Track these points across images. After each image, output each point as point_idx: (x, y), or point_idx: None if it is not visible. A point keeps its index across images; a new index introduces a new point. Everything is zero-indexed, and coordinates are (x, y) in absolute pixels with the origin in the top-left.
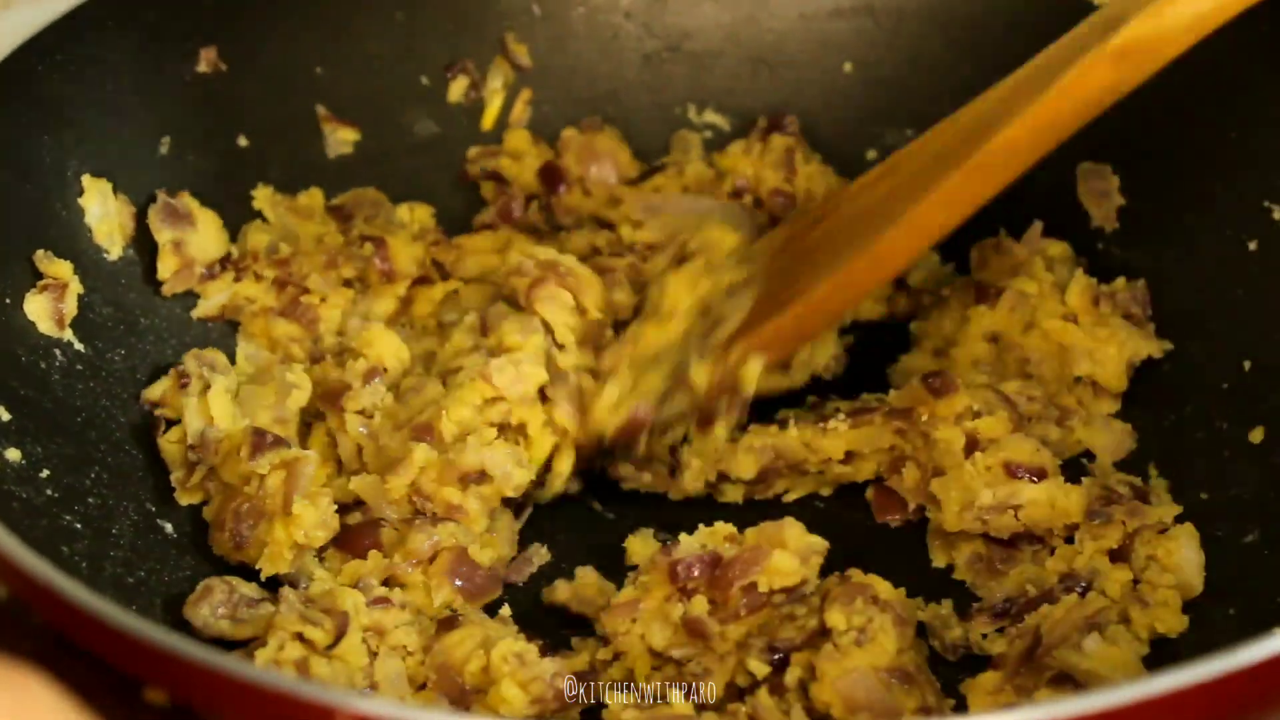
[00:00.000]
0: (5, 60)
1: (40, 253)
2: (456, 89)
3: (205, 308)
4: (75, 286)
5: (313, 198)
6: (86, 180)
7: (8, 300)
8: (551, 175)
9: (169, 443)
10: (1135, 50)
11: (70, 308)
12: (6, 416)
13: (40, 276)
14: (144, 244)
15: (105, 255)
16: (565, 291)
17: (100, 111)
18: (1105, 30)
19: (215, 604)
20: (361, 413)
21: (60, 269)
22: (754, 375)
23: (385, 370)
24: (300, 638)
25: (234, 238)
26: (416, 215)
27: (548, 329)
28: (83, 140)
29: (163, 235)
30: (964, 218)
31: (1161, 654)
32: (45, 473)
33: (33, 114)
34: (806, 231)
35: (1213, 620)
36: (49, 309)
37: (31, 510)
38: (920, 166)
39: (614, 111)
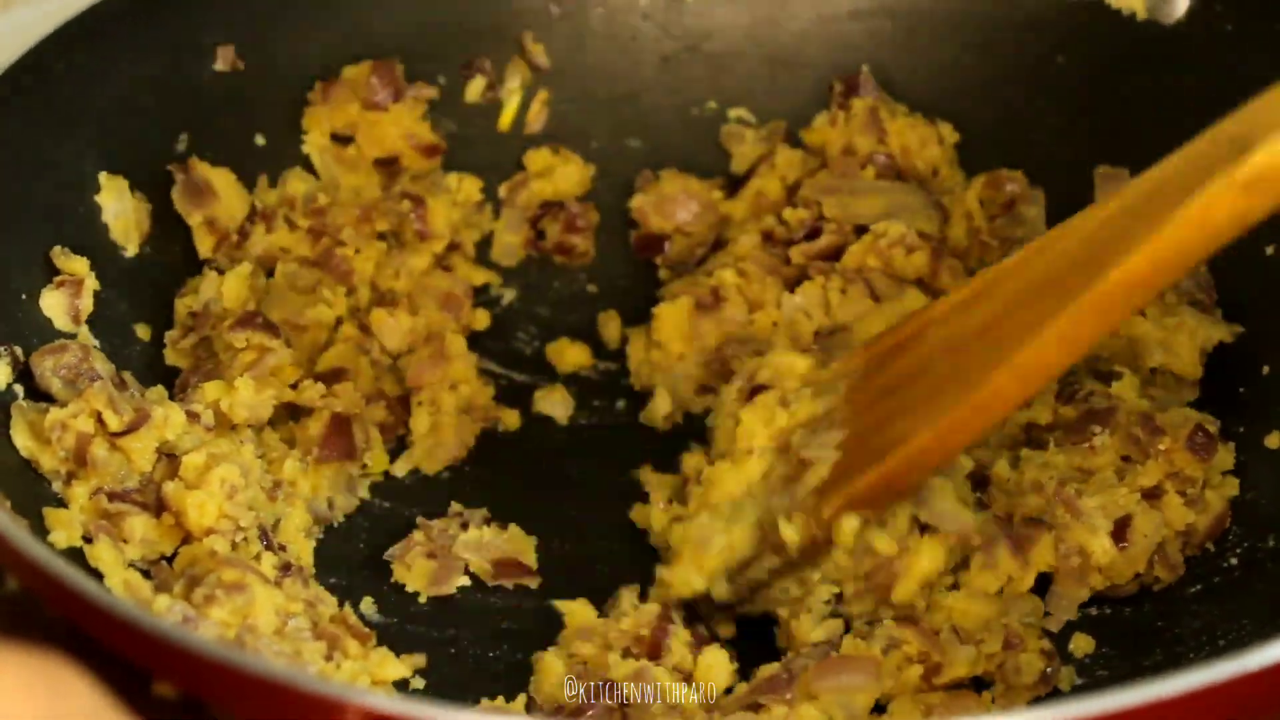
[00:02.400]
0: (23, 57)
1: (57, 249)
2: (474, 89)
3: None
4: (91, 283)
5: (361, 150)
6: (103, 178)
7: (24, 296)
8: (651, 243)
9: (182, 302)
10: (1267, 178)
11: (86, 304)
12: None
13: (57, 273)
14: (162, 237)
15: (122, 252)
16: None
17: (118, 109)
18: (1232, 152)
19: (62, 362)
20: None
21: (77, 265)
22: (851, 533)
23: None
24: (99, 419)
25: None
26: (464, 186)
27: None
28: (100, 138)
29: (194, 217)
30: (1077, 358)
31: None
32: None
33: (51, 111)
34: (890, 359)
35: (1224, 626)
36: (65, 305)
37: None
38: (1022, 294)
39: (632, 112)
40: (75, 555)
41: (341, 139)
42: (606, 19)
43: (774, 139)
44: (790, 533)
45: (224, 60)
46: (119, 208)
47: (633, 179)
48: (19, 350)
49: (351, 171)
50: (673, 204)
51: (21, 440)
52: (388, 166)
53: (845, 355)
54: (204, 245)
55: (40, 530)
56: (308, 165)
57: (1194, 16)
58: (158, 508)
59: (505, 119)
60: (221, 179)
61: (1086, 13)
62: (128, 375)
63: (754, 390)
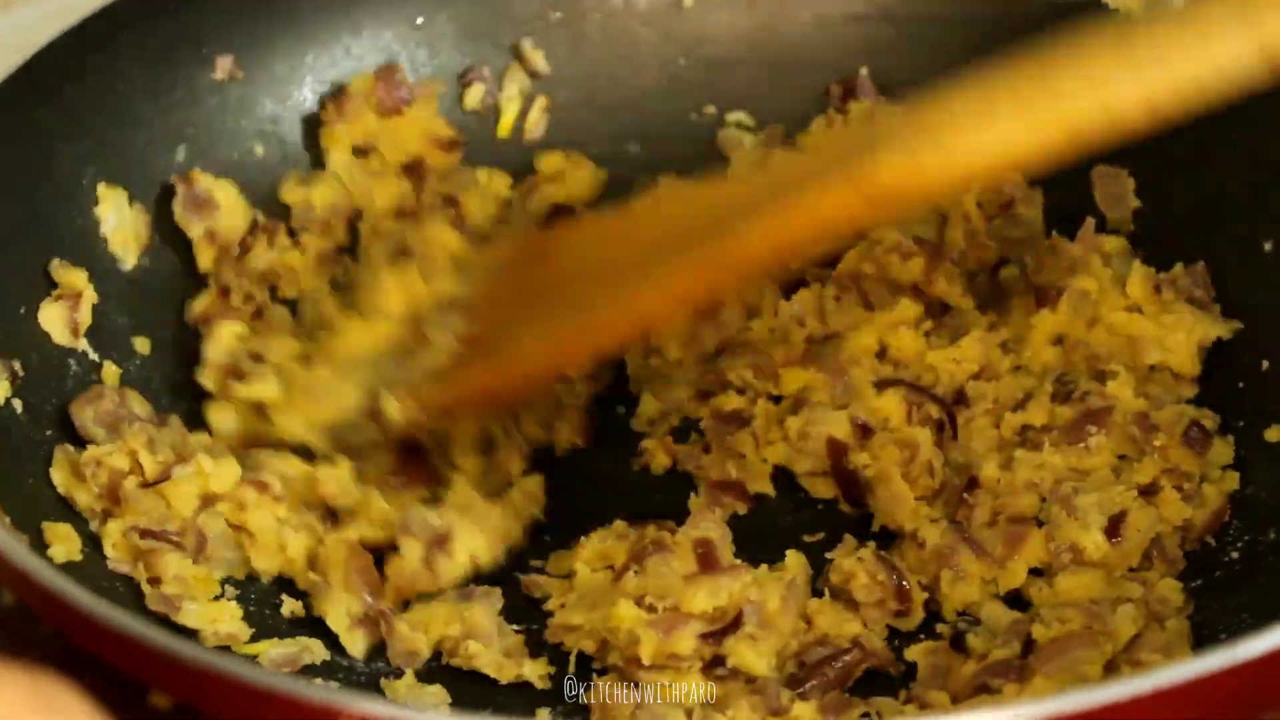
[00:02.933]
0: (21, 68)
1: (55, 261)
2: (472, 96)
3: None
4: (90, 296)
5: (382, 158)
6: (102, 189)
7: (23, 309)
8: None
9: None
10: (886, 194)
11: (85, 317)
12: None
13: (55, 285)
14: (160, 249)
15: (120, 265)
16: None
17: (116, 120)
18: (858, 151)
19: (101, 410)
20: None
21: (75, 278)
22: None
23: None
24: (136, 459)
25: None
26: (494, 182)
27: None
28: (98, 148)
29: (194, 229)
30: (679, 311)
31: None
32: None
33: (49, 122)
34: (532, 265)
35: (1225, 619)
36: (64, 318)
37: None
38: (652, 239)
39: (631, 118)
40: (73, 569)
41: (360, 151)
42: (604, 24)
43: (772, 143)
44: (391, 409)
45: (222, 70)
46: (118, 219)
47: (632, 184)
48: (17, 364)
49: (377, 179)
50: None
51: (60, 478)
52: (413, 172)
53: (502, 245)
54: (204, 258)
55: (39, 545)
56: (311, 168)
57: None
58: (197, 550)
59: (504, 126)
60: (223, 191)
61: (1084, 14)
62: (175, 419)
63: (399, 253)
